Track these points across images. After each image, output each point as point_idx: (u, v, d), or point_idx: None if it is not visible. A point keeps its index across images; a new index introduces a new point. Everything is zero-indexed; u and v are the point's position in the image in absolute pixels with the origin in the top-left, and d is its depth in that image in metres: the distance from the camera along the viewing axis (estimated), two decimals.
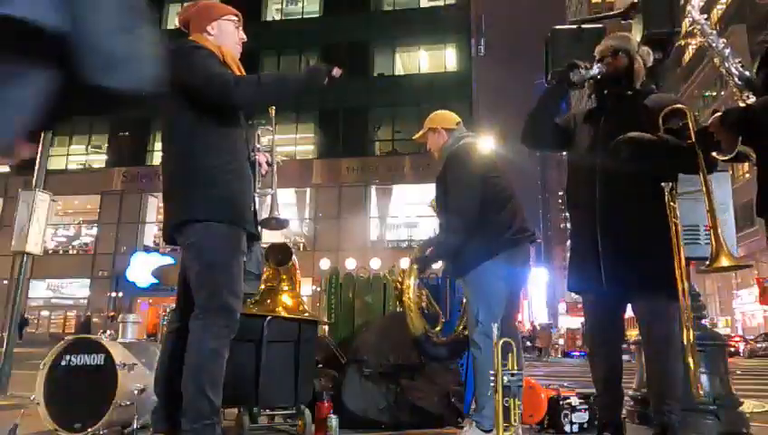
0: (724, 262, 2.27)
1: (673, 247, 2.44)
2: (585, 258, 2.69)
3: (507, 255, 3.02)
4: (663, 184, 2.48)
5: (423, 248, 3.38)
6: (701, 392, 2.68)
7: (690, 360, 2.39)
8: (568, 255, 3.16)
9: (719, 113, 2.12)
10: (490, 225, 3.03)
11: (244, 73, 2.55)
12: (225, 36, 2.52)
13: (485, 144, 3.41)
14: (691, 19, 2.51)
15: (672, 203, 2.48)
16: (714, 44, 2.33)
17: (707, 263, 2.32)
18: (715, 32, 2.39)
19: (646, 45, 3.39)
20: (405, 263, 3.57)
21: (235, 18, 2.58)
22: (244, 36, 2.61)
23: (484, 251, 3.00)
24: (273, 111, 2.78)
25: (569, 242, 3.20)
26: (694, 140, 2.43)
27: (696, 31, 2.47)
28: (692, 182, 2.69)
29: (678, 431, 2.55)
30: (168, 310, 6.46)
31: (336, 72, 2.45)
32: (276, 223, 2.64)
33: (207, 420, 2.13)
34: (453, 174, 3.15)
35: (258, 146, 2.70)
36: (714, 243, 2.29)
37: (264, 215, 2.63)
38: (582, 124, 2.87)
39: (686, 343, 2.40)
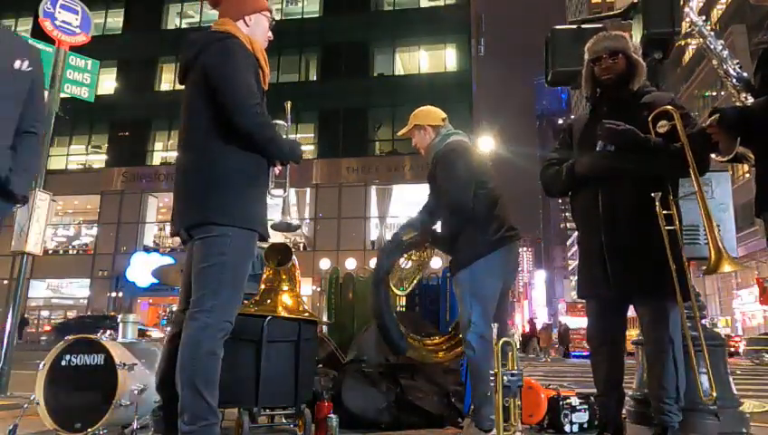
0: (727, 268, 2.24)
1: (673, 251, 2.44)
2: (593, 264, 2.69)
3: (499, 254, 3.02)
4: (653, 194, 2.47)
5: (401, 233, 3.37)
6: (713, 394, 2.68)
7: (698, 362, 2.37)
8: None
9: (717, 114, 2.11)
10: (482, 224, 3.03)
11: (268, 69, 2.51)
12: (260, 30, 2.49)
13: (471, 141, 3.38)
14: (689, 21, 2.51)
15: (665, 211, 2.47)
16: (712, 46, 2.32)
17: (706, 267, 2.29)
18: (713, 33, 2.38)
19: (646, 45, 3.39)
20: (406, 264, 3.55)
21: (269, 15, 2.56)
22: (271, 35, 2.57)
23: (477, 250, 3.00)
24: (290, 105, 2.69)
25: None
26: (684, 141, 2.42)
27: (694, 32, 2.46)
28: (691, 182, 2.68)
29: (678, 431, 2.56)
30: (168, 309, 6.46)
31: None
32: (289, 226, 2.59)
33: (205, 420, 2.11)
34: (444, 172, 3.13)
35: None
36: (711, 247, 2.27)
37: (273, 215, 2.53)
38: (580, 131, 2.86)
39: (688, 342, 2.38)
